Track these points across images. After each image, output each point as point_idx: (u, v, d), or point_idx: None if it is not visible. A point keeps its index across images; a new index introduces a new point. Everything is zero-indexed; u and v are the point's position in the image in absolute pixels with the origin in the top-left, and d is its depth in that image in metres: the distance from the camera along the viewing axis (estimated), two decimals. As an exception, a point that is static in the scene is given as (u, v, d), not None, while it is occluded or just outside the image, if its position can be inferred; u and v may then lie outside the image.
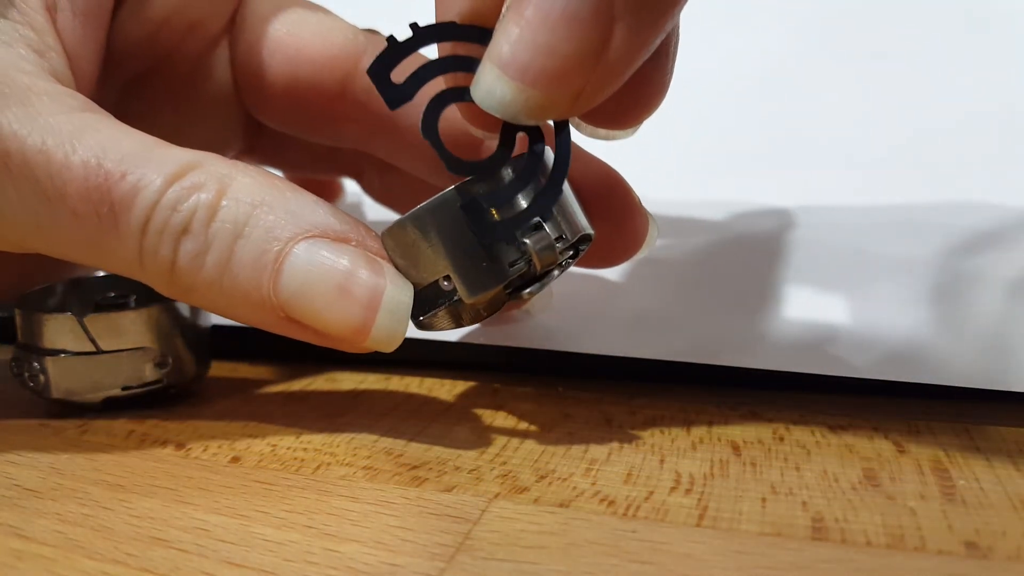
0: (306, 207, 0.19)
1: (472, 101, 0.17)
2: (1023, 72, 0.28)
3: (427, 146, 0.18)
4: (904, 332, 0.22)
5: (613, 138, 0.20)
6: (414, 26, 0.18)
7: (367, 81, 0.23)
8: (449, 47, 0.18)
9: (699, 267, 0.25)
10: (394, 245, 0.19)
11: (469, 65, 0.18)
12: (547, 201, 0.18)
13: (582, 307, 0.25)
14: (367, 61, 0.23)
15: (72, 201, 0.18)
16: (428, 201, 0.18)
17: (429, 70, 0.18)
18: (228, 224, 0.18)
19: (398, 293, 0.19)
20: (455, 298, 0.19)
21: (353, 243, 0.19)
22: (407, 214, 0.19)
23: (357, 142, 0.25)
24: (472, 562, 0.15)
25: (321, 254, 0.19)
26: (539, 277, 0.20)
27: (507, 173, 0.18)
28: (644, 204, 0.21)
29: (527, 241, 0.18)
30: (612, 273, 0.26)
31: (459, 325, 0.21)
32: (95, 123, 0.19)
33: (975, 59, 0.29)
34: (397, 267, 0.19)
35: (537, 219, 0.18)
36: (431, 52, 0.19)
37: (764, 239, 0.26)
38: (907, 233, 0.25)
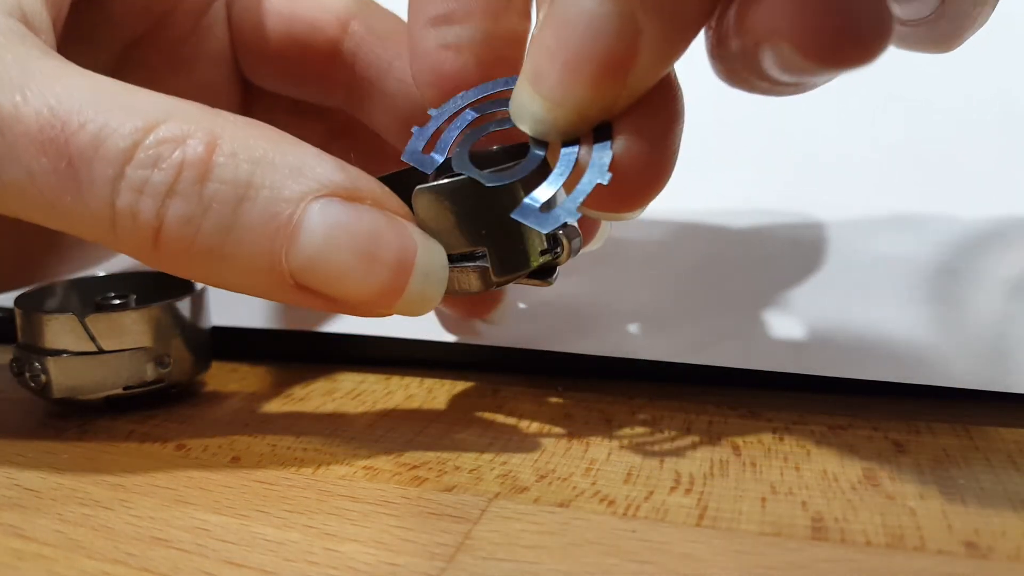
0: (311, 160, 0.17)
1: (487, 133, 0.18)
2: (1023, 72, 0.28)
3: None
4: (904, 332, 0.22)
5: (618, 219, 0.20)
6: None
7: (355, 44, 0.24)
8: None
9: (698, 267, 0.25)
10: (427, 208, 0.18)
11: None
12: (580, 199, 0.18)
13: (582, 307, 0.25)
14: (357, 25, 0.24)
15: (26, 158, 0.16)
16: (484, 172, 0.18)
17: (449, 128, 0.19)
18: (227, 185, 0.17)
19: (431, 255, 0.18)
20: (470, 264, 0.19)
21: (368, 201, 0.18)
22: (456, 180, 0.18)
23: (344, 102, 0.25)
24: (472, 562, 0.15)
25: (338, 215, 0.17)
26: (551, 269, 0.20)
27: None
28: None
29: (562, 233, 0.19)
30: (612, 273, 0.26)
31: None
32: (52, 68, 0.17)
33: (975, 58, 0.29)
34: (424, 230, 0.18)
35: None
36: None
37: (763, 239, 0.26)
38: (907, 233, 0.25)
